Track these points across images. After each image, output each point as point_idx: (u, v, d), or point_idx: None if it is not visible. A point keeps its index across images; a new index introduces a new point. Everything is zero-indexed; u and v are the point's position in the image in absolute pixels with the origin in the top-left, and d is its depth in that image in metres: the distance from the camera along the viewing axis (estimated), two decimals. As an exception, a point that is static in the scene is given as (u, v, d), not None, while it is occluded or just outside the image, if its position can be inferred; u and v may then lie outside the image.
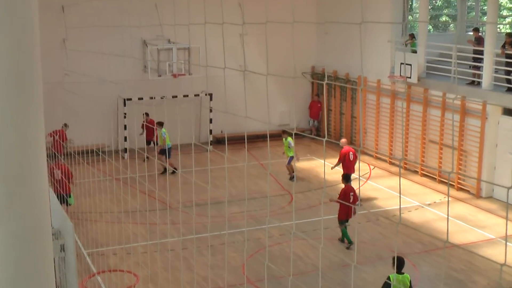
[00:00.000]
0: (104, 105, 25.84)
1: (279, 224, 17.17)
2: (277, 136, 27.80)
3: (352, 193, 16.70)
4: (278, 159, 25.44)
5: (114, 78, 24.23)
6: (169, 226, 17.62)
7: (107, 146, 24.72)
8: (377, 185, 22.50)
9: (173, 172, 22.77)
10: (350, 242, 16.87)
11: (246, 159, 25.10)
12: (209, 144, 26.54)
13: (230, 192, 21.32)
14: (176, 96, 25.78)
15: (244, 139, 26.64)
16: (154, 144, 23.65)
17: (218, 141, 28.01)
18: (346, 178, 17.57)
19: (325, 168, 21.19)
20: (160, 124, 22.77)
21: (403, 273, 11.84)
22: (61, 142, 22.28)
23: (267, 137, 27.93)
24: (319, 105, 29.15)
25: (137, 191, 19.82)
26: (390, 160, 25.31)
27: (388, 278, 11.90)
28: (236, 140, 27.24)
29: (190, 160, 22.23)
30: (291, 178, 22.38)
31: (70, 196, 17.18)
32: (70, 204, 17.10)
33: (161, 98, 25.26)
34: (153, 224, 17.16)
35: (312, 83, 29.80)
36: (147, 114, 24.83)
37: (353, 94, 27.57)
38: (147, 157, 23.61)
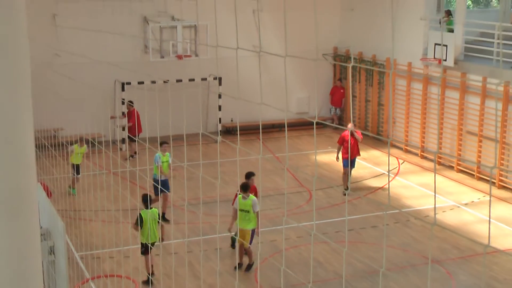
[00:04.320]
0: (100, 90, 25.84)
1: (297, 225, 17.14)
2: (295, 125, 27.81)
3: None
4: (296, 151, 25.41)
5: (111, 59, 24.22)
6: (173, 227, 17.63)
7: (103, 136, 24.77)
8: (407, 182, 22.42)
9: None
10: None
11: (261, 151, 25.09)
12: (218, 134, 26.52)
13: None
14: (180, 80, 25.76)
15: (258, 129, 26.62)
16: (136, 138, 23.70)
17: (228, 131, 27.99)
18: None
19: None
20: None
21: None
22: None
23: (284, 127, 27.89)
24: (342, 91, 29.07)
25: (137, 187, 19.85)
26: (422, 153, 25.20)
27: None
28: (249, 130, 27.22)
29: (196, 152, 22.23)
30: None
31: None
32: None
33: (164, 82, 25.25)
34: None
35: (334, 66, 29.71)
36: (131, 103, 23.97)
37: (381, 79, 27.46)
38: (132, 156, 23.67)
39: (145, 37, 25.97)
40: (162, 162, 18.08)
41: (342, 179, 21.42)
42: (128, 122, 23.69)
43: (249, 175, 16.47)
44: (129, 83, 25.48)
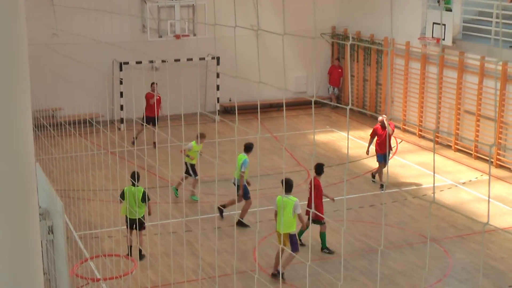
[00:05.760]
0: (98, 70, 25.73)
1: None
2: (293, 105, 27.78)
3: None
4: (294, 131, 25.40)
5: (109, 39, 24.09)
6: (171, 206, 17.65)
7: (101, 116, 24.73)
8: (405, 161, 22.44)
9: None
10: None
11: (259, 130, 25.07)
12: (217, 113, 26.49)
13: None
14: (179, 60, 25.69)
15: (256, 108, 26.59)
16: (155, 122, 22.71)
17: (226, 111, 27.97)
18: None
19: (348, 141, 21.13)
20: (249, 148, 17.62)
21: None
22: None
23: (282, 106, 27.85)
24: (340, 70, 29.01)
25: (135, 166, 19.86)
26: (420, 132, 25.20)
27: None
28: (247, 110, 27.19)
29: (195, 131, 22.18)
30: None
31: None
32: None
33: (162, 62, 25.19)
34: (153, 203, 17.17)
35: (332, 45, 29.63)
36: (154, 84, 22.85)
37: (379, 58, 27.39)
38: (136, 138, 22.79)
39: (143, 16, 25.87)
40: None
41: (377, 173, 20.09)
42: (151, 104, 22.53)
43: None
44: (127, 63, 25.40)
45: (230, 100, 27.93)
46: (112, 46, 23.28)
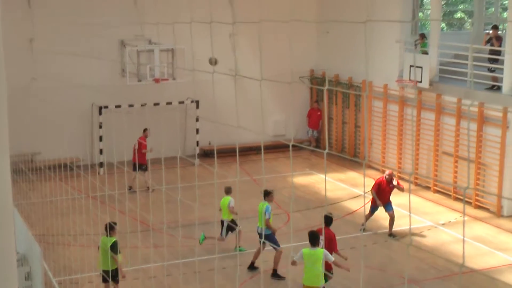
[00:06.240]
0: (77, 114, 25.75)
1: (274, 248, 17.05)
2: (272, 148, 27.78)
3: None
4: (274, 173, 25.37)
5: (89, 83, 24.16)
6: (152, 250, 17.50)
7: (81, 160, 24.60)
8: (385, 202, 22.43)
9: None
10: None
11: (238, 173, 25.02)
12: (196, 157, 26.47)
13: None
14: (158, 104, 25.73)
15: (235, 152, 26.58)
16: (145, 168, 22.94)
17: (206, 154, 27.94)
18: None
19: (326, 184, 21.09)
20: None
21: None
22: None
23: (261, 149, 27.80)
24: (318, 113, 29.14)
25: (116, 210, 19.71)
26: (399, 174, 25.27)
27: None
28: (226, 153, 27.16)
29: (174, 175, 22.11)
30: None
31: None
32: None
33: (142, 105, 25.18)
34: (134, 247, 17.04)
35: (311, 88, 29.78)
36: (147, 130, 23.46)
37: (357, 101, 27.56)
38: (130, 188, 22.94)
39: (122, 60, 25.92)
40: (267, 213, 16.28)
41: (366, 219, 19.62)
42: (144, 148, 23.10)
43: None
44: (106, 107, 25.37)
45: (209, 144, 27.92)
46: (91, 90, 23.30)
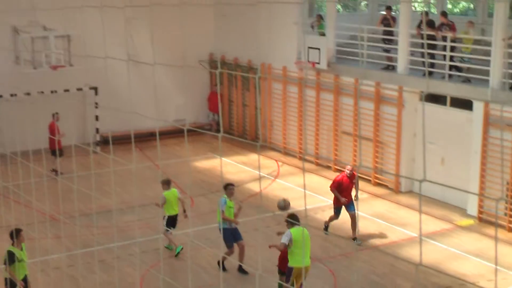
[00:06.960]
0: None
1: (177, 233, 16.92)
2: (174, 133, 27.45)
3: None
4: (176, 158, 25.15)
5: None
6: (51, 241, 17.05)
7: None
8: (287, 183, 22.55)
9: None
10: None
11: (134, 159, 24.59)
12: (97, 144, 25.95)
13: (123, 199, 20.88)
14: (56, 91, 25.05)
15: (137, 138, 26.21)
16: (58, 154, 22.48)
17: (107, 141, 27.41)
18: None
19: (222, 166, 21.00)
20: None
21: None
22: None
23: (162, 135, 27.50)
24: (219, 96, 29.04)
25: (11, 201, 19.12)
26: (300, 155, 25.46)
27: None
28: (127, 139, 26.69)
29: (73, 163, 21.62)
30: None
31: None
32: None
33: (38, 93, 24.49)
34: (31, 239, 16.53)
35: (211, 72, 29.65)
36: (58, 114, 23.44)
37: (257, 84, 27.58)
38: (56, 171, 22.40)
39: (15, 48, 25.07)
40: (228, 207, 15.61)
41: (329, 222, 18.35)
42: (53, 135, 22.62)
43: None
44: (1, 96, 24.55)
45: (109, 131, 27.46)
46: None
